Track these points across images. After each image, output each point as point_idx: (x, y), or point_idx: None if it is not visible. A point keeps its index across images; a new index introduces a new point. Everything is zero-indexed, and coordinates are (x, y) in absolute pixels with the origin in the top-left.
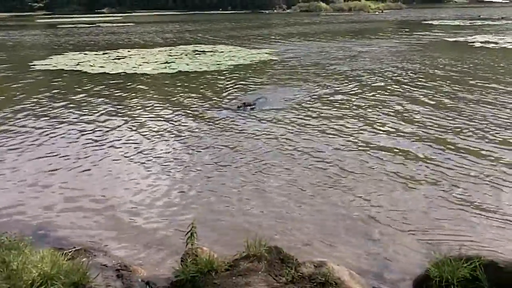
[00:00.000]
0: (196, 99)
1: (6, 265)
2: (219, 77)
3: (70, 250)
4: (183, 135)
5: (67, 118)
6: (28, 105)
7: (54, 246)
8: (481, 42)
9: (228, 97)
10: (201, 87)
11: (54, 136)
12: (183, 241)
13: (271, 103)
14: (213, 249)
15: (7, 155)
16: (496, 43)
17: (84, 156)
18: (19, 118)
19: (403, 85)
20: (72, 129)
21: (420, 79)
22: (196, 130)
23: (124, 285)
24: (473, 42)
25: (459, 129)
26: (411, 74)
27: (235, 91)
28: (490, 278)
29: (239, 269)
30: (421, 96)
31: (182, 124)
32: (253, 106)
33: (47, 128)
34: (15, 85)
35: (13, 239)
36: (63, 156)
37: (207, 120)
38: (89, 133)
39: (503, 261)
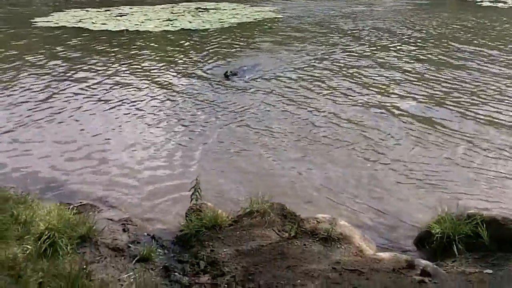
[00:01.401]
0: (192, 61)
1: (14, 218)
2: (219, 36)
3: (76, 205)
4: (183, 96)
5: (69, 76)
6: (31, 62)
7: (60, 201)
8: (490, 2)
9: (224, 59)
10: (200, 47)
11: (57, 94)
12: (187, 197)
13: (260, 70)
14: (217, 205)
15: (11, 113)
16: (505, 2)
17: (88, 114)
18: (22, 76)
19: (406, 45)
20: (75, 87)
21: (423, 40)
22: (193, 91)
23: (130, 238)
24: (481, 1)
25: (460, 91)
26: (415, 34)
27: (232, 52)
28: (491, 234)
29: (243, 224)
30: (424, 56)
31: (181, 85)
32: (239, 75)
33: (50, 85)
34: (17, 43)
35: (20, 193)
36: (67, 114)
37: (204, 82)
38: (91, 91)
39: (504, 218)
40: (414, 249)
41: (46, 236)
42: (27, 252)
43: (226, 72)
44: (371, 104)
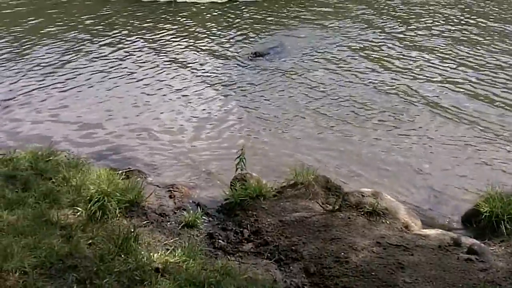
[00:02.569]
0: (229, 37)
1: (66, 181)
2: (264, 8)
3: (125, 170)
4: (222, 72)
5: (119, 47)
6: (77, 33)
7: (109, 166)
8: None
9: (261, 35)
10: (240, 21)
11: (101, 63)
12: (232, 167)
13: (291, 51)
14: (261, 175)
15: (59, 80)
16: None
17: (135, 84)
18: (71, 46)
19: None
20: (115, 57)
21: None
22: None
23: (176, 205)
24: None
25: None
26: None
27: (271, 27)
28: None
29: (287, 195)
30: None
31: (215, 61)
32: (266, 56)
33: (92, 54)
34: (64, 11)
35: (71, 157)
36: (114, 84)
37: (237, 61)
38: (133, 62)
39: None
40: (460, 227)
41: (96, 199)
42: (78, 214)
43: (250, 54)
44: (410, 84)
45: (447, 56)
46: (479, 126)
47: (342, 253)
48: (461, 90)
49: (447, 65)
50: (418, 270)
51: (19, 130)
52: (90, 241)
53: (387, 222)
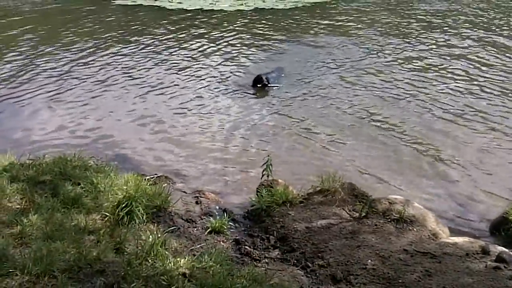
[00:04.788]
0: (243, 49)
1: (94, 186)
2: (284, 18)
3: (152, 176)
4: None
5: (145, 55)
6: (106, 41)
7: (137, 172)
8: None
9: (273, 48)
10: (262, 32)
11: (129, 73)
12: (258, 174)
13: (314, 62)
14: (287, 182)
15: (88, 87)
16: None
17: (161, 92)
18: (99, 54)
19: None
20: (145, 66)
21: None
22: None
23: (202, 211)
24: None
25: None
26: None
27: (285, 40)
28: None
29: (313, 202)
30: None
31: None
32: (271, 83)
33: (119, 63)
34: (96, 21)
35: (99, 163)
36: (140, 92)
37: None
38: (162, 71)
39: None
40: (488, 235)
41: (123, 205)
42: (106, 219)
43: (260, 77)
44: (437, 92)
45: (475, 63)
46: (507, 134)
47: (369, 260)
48: (490, 98)
49: (476, 72)
50: (445, 278)
51: (45, 135)
52: (118, 246)
53: (415, 229)
